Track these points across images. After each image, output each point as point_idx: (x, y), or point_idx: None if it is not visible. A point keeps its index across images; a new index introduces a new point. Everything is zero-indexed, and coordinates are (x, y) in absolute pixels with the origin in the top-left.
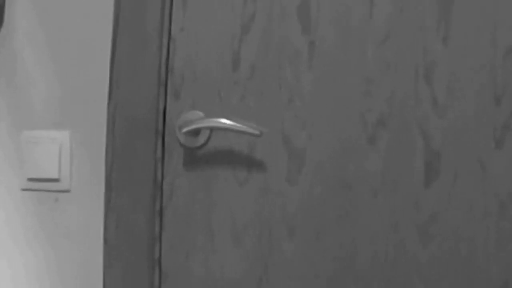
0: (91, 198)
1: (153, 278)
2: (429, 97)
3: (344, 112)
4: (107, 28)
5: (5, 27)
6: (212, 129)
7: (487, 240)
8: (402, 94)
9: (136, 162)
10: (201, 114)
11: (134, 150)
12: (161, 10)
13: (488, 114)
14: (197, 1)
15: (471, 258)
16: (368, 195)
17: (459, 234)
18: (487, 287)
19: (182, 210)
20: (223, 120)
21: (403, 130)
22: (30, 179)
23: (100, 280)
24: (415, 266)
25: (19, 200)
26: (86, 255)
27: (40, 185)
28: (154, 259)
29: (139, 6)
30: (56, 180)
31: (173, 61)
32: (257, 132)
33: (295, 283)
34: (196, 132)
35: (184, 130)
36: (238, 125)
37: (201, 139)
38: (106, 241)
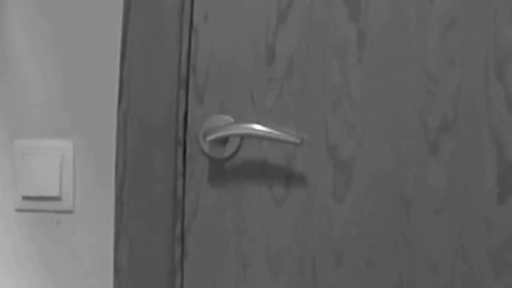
0: (98, 220)
1: None
2: (502, 96)
3: (400, 115)
4: (116, 17)
5: None
6: (242, 137)
7: None
8: (469, 92)
9: (152, 176)
10: (229, 119)
11: (149, 162)
12: None
13: None
14: None
15: None
16: (429, 214)
17: None
18: None
19: (208, 233)
20: (256, 126)
21: (471, 136)
22: (26, 198)
23: None
24: None
25: (13, 223)
26: (93, 287)
27: (37, 204)
28: None
29: None
30: (56, 199)
31: (196, 55)
32: (296, 140)
33: None
34: (223, 141)
35: (210, 138)
36: (273, 132)
37: (230, 149)
38: (117, 270)
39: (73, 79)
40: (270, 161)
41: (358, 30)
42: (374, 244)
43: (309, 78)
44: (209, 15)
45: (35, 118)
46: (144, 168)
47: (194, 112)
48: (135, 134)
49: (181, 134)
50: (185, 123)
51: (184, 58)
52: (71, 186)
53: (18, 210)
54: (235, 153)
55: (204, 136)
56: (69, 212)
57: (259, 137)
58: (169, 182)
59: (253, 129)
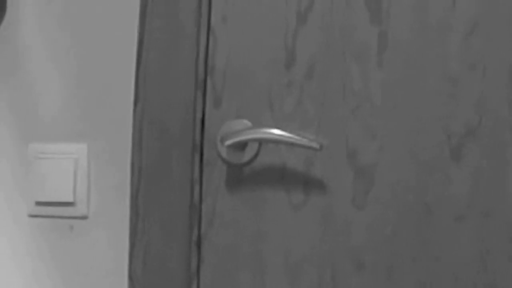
0: (113, 226)
1: None
2: None
3: (422, 120)
4: (133, 20)
5: (8, 17)
6: (261, 142)
7: None
8: (492, 97)
9: (168, 182)
10: (247, 123)
11: (165, 167)
12: None
13: None
14: None
15: None
16: (452, 221)
17: None
18: None
19: (225, 240)
20: (275, 131)
21: (494, 142)
22: (39, 203)
23: None
24: None
25: (26, 229)
26: None
27: (51, 210)
28: None
29: None
30: (70, 204)
31: (213, 58)
32: (316, 145)
33: None
34: (241, 146)
35: (227, 143)
36: (293, 136)
37: (248, 154)
38: (131, 278)
39: (88, 82)
40: (289, 167)
41: (379, 33)
42: (395, 252)
43: (329, 82)
44: (227, 17)
45: (49, 122)
46: (160, 173)
47: (211, 116)
48: (151, 138)
49: (198, 139)
50: (202, 128)
51: (201, 61)
52: (86, 191)
53: (31, 216)
54: (253, 158)
55: (222, 141)
56: (83, 217)
57: (278, 142)
58: (185, 187)
59: (272, 133)
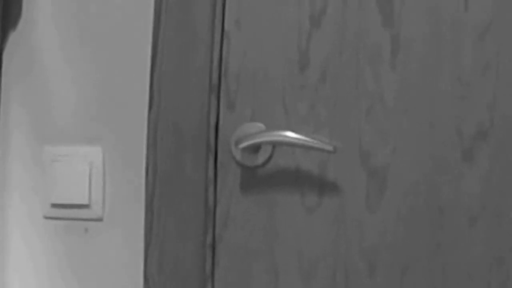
0: (128, 228)
1: None
2: None
3: (434, 122)
4: (147, 23)
5: (24, 21)
6: (275, 145)
7: None
8: (505, 99)
9: (183, 184)
10: (261, 126)
11: (180, 169)
12: None
13: None
14: None
15: None
16: (464, 222)
17: None
18: None
19: (239, 242)
20: (288, 134)
21: (507, 143)
22: (55, 205)
23: None
24: None
25: (41, 230)
26: None
27: (66, 212)
28: None
29: None
30: (85, 207)
31: (227, 61)
32: (329, 148)
33: None
34: (255, 148)
35: (241, 145)
36: (306, 139)
37: (262, 157)
38: (146, 279)
39: (103, 85)
40: (303, 169)
41: (391, 36)
42: (407, 253)
43: (342, 85)
44: (241, 20)
45: (65, 124)
46: (174, 176)
47: (225, 119)
48: (166, 141)
49: (212, 142)
50: (216, 131)
51: (215, 65)
52: (101, 193)
53: (47, 218)
54: (267, 161)
55: (236, 143)
56: (99, 220)
57: (292, 145)
58: (200, 190)
59: (286, 136)
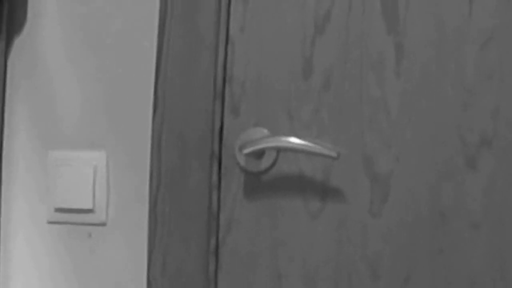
0: (131, 233)
1: None
2: None
3: (438, 129)
4: (152, 28)
5: (29, 25)
6: (279, 150)
7: None
8: (509, 107)
9: (186, 189)
10: (265, 132)
11: (184, 174)
12: (217, 5)
13: None
14: None
15: None
16: (467, 229)
17: None
18: None
19: (243, 247)
20: (292, 139)
21: (511, 152)
22: (58, 210)
23: None
24: None
25: (45, 235)
26: None
27: (70, 217)
28: None
29: (191, 1)
30: (89, 211)
31: (232, 67)
32: (333, 154)
33: None
34: (259, 154)
35: (246, 151)
36: (310, 145)
37: (266, 162)
38: (150, 284)
39: (107, 90)
40: (306, 175)
41: (395, 43)
42: (411, 260)
43: (346, 91)
44: (245, 27)
45: (69, 129)
46: (178, 181)
47: (229, 125)
48: (170, 146)
49: (216, 147)
50: (220, 136)
51: (219, 71)
52: (105, 198)
53: (51, 222)
54: (271, 166)
55: (240, 149)
56: (102, 224)
57: (296, 150)
58: (204, 195)
59: (290, 142)
